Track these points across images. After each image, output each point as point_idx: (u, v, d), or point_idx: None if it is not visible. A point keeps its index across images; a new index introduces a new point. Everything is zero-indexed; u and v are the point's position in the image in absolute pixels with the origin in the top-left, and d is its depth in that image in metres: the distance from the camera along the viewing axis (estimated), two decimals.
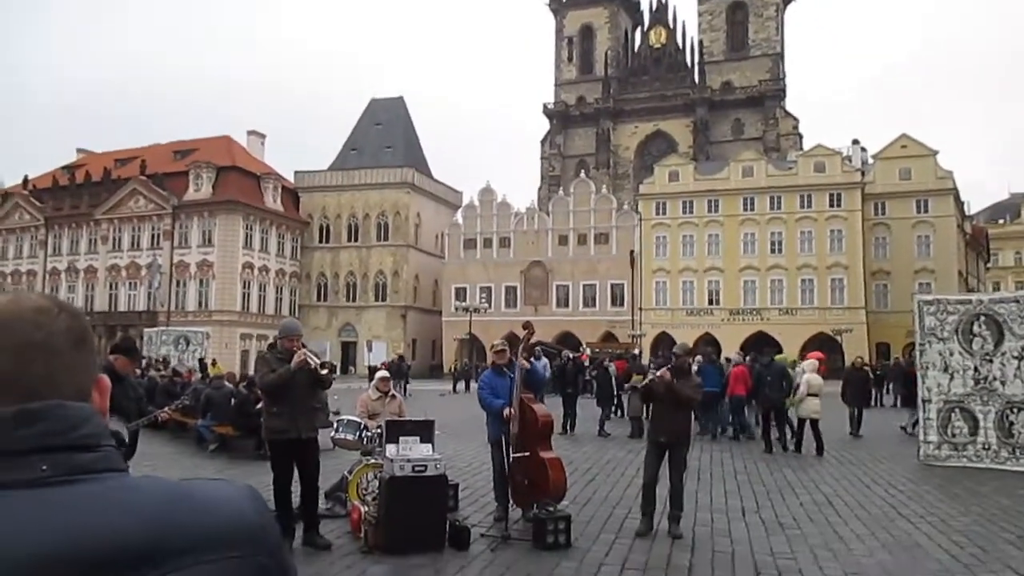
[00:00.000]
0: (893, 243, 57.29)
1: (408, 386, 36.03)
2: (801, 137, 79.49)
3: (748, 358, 18.86)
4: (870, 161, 60.11)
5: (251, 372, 20.30)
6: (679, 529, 7.81)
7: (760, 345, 46.40)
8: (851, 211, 55.68)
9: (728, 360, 20.09)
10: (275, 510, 7.08)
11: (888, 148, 58.79)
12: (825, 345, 49.97)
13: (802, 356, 47.34)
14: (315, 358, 7.24)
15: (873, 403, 19.79)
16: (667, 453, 7.91)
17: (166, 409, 7.21)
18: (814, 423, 14.87)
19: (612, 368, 21.13)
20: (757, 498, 10.03)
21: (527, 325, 8.59)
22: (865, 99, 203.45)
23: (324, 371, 7.26)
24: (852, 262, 55.33)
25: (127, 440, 6.03)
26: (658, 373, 7.80)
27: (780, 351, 33.94)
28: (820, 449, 14.56)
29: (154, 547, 0.85)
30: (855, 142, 62.39)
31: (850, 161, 58.58)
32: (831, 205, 56.07)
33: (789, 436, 15.50)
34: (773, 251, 56.88)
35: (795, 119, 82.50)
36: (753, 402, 16.74)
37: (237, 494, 0.97)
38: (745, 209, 57.43)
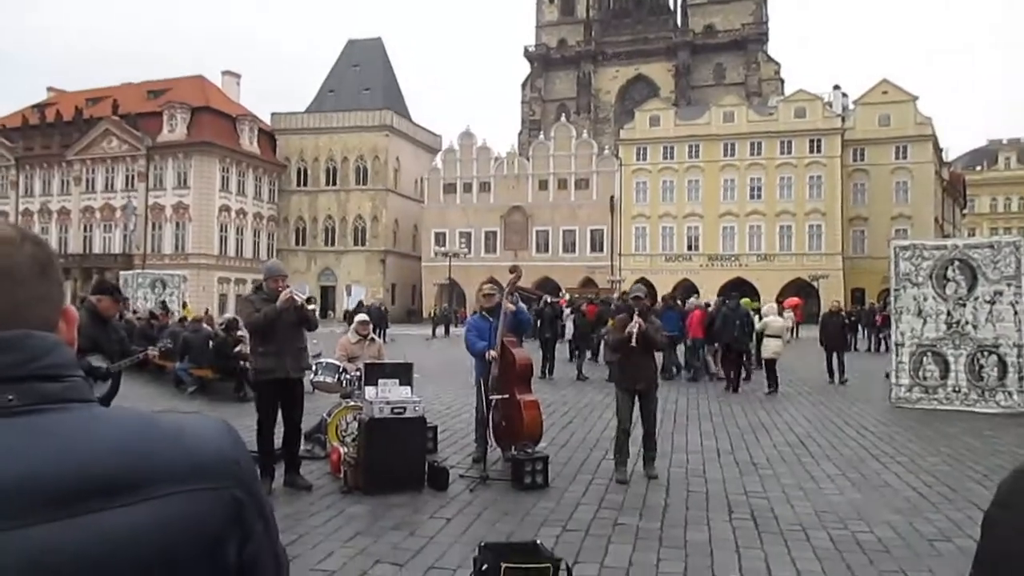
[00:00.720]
0: (871, 189, 57.59)
1: (388, 331, 36.06)
2: (783, 82, 79.15)
3: (714, 302, 19.79)
4: (851, 107, 60.02)
5: (228, 315, 20.22)
6: (655, 469, 7.94)
7: (737, 290, 46.86)
8: (831, 157, 55.78)
9: (679, 303, 20.42)
10: (257, 450, 7.14)
11: (869, 94, 58.71)
12: (802, 291, 50.48)
13: (779, 301, 48.03)
14: (300, 296, 7.23)
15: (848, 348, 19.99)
16: (637, 399, 7.98)
17: (150, 349, 7.15)
18: (771, 362, 15.85)
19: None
20: (731, 440, 10.19)
21: (514, 268, 8.60)
22: (847, 44, 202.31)
23: (311, 306, 7.26)
24: (830, 208, 55.60)
25: (110, 377, 6.02)
26: (633, 326, 7.78)
27: (748, 296, 34.26)
28: (774, 387, 15.55)
29: (125, 476, 0.84)
30: (836, 87, 62.21)
31: (831, 107, 58.46)
32: (811, 151, 56.12)
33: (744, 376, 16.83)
34: (752, 197, 57.00)
35: (777, 64, 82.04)
36: (715, 344, 17.41)
37: (211, 427, 0.96)
38: (726, 155, 57.38)
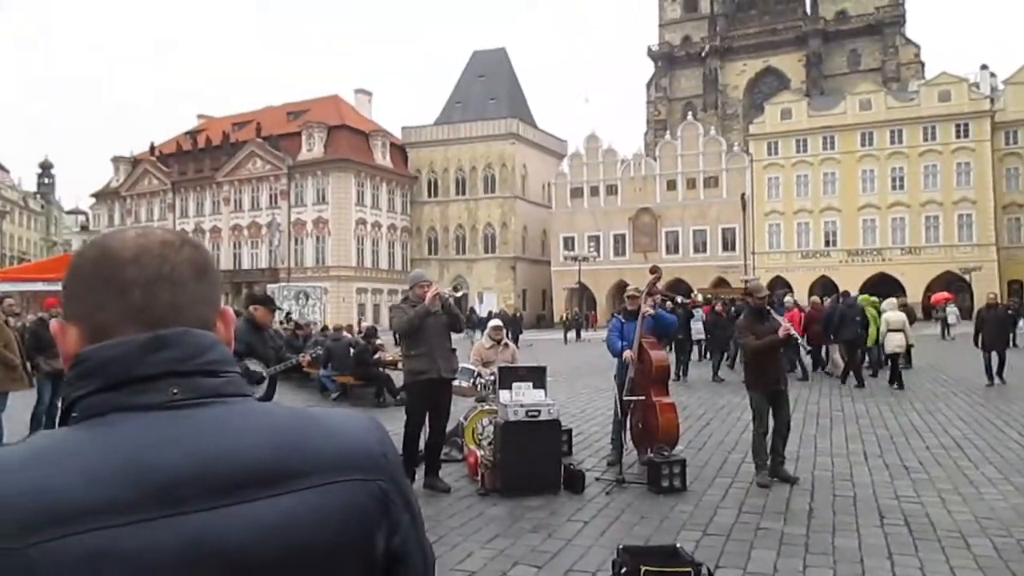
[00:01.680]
0: None
1: (522, 336, 36.47)
2: (923, 65, 74.95)
3: (830, 299, 20.06)
4: (1000, 87, 56.11)
5: (367, 324, 20.92)
6: (791, 472, 7.64)
7: (882, 287, 44.61)
8: (980, 142, 52.33)
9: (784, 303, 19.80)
10: (402, 452, 7.32)
11: (1021, 71, 54.69)
12: (952, 285, 47.70)
13: (927, 297, 45.46)
14: (447, 292, 7.44)
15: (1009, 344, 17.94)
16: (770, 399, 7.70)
17: (302, 356, 7.50)
18: (894, 357, 15.92)
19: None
20: (880, 442, 9.69)
21: (655, 269, 8.53)
22: (994, 19, 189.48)
23: (458, 294, 7.45)
24: (981, 196, 52.16)
25: (266, 380, 6.37)
26: (780, 330, 7.52)
27: (903, 292, 32.55)
28: (898, 382, 15.45)
29: (280, 467, 0.87)
30: (984, 67, 58.27)
31: (978, 88, 54.84)
32: (957, 136, 52.83)
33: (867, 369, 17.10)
34: (894, 188, 54.20)
35: (916, 46, 77.71)
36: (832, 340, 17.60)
37: (360, 421, 0.99)
38: (863, 145, 54.81)
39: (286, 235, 62.53)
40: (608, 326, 9.00)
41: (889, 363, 16.30)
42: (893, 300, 18.28)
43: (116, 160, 72.78)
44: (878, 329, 16.97)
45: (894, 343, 15.98)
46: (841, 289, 23.53)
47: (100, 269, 0.93)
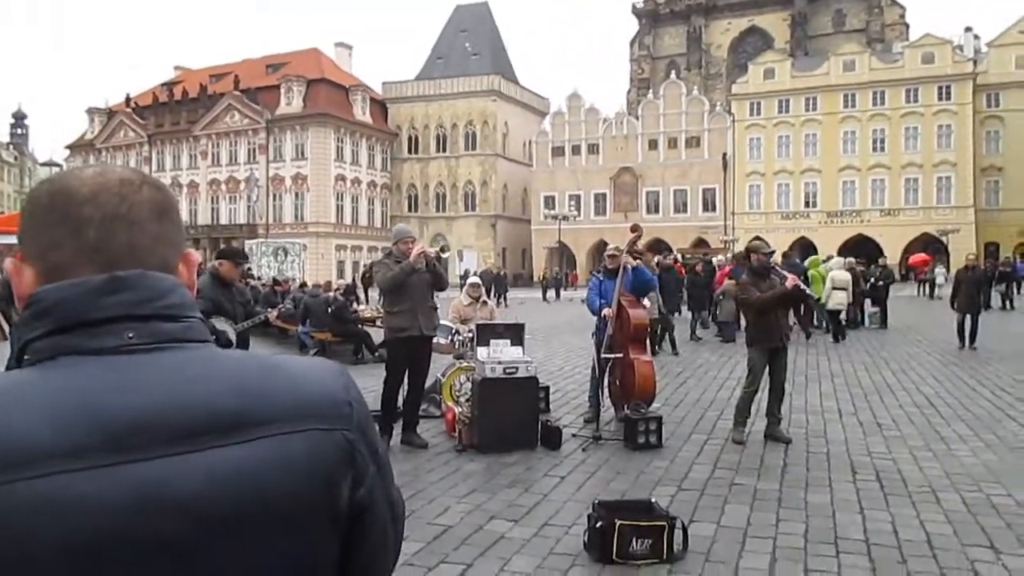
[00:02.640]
0: (1007, 136, 53.92)
1: (507, 294, 36.54)
2: (908, 27, 74.70)
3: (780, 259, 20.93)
4: (984, 50, 56.11)
5: (344, 280, 20.88)
6: (785, 433, 7.68)
7: (860, 248, 44.92)
8: (961, 104, 52.50)
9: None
10: (380, 408, 7.33)
11: (1005, 34, 54.72)
12: (930, 246, 48.09)
13: (905, 259, 45.85)
14: (432, 250, 7.37)
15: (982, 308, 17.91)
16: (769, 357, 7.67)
17: (270, 310, 7.43)
18: (835, 313, 17.26)
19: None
20: (854, 400, 9.81)
21: (635, 227, 8.48)
22: None
23: (444, 254, 7.39)
24: (961, 159, 52.47)
25: (234, 340, 6.29)
26: (788, 282, 7.47)
27: (880, 253, 32.76)
28: (837, 336, 16.93)
29: (239, 415, 0.85)
30: (968, 29, 58.19)
31: (961, 50, 54.81)
32: (939, 99, 52.94)
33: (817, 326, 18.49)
34: (875, 150, 54.37)
35: (902, 7, 77.37)
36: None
37: (326, 369, 0.96)
38: (846, 106, 54.85)
39: (264, 190, 61.84)
40: (588, 284, 8.98)
41: (827, 320, 17.68)
42: (840, 259, 19.69)
43: (91, 111, 71.42)
44: (823, 289, 17.67)
45: (836, 300, 17.16)
46: (820, 251, 23.77)
47: (55, 206, 0.89)
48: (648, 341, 8.89)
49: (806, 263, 20.10)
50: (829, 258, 20.83)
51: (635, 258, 8.70)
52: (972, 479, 6.15)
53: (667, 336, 15.18)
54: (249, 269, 24.56)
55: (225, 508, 0.81)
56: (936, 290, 33.61)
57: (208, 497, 0.81)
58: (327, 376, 0.94)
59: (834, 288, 17.24)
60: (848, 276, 17.99)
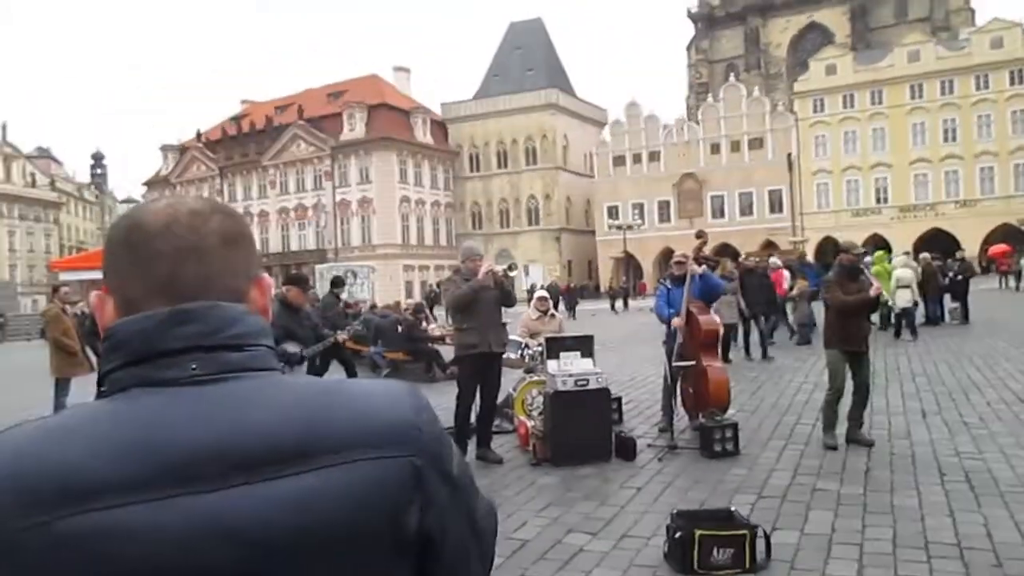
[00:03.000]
0: None
1: (578, 307, 36.52)
2: (973, 12, 72.38)
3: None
4: None
5: (414, 300, 21.09)
6: (867, 435, 7.46)
7: (936, 243, 43.52)
8: None
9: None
10: (454, 426, 7.37)
11: None
12: (1010, 237, 46.25)
13: (984, 251, 44.22)
14: (500, 267, 7.42)
15: None
16: (850, 361, 7.46)
17: (339, 333, 7.57)
18: (905, 312, 17.00)
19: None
20: (938, 399, 9.48)
21: (700, 234, 8.43)
22: None
23: (512, 272, 7.43)
24: None
25: (304, 360, 6.43)
26: (873, 289, 7.30)
27: (957, 247, 31.65)
28: (899, 333, 16.95)
29: (301, 444, 0.84)
30: None
31: None
32: (1012, 83, 51.08)
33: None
34: (946, 140, 52.74)
35: None
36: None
37: (393, 393, 0.94)
38: (913, 97, 53.33)
39: (332, 215, 63.16)
40: (656, 293, 8.92)
41: (893, 320, 17.36)
42: (903, 257, 19.38)
43: (164, 148, 74.14)
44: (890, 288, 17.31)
45: (903, 300, 16.80)
46: (895, 247, 23.01)
47: (130, 241, 0.91)
48: (721, 347, 8.76)
49: (869, 259, 19.50)
50: (905, 254, 20.31)
51: (702, 264, 8.61)
52: None
53: (750, 339, 14.84)
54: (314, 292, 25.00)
55: (284, 539, 0.81)
56: (1022, 281, 32.36)
57: (266, 528, 0.81)
58: (394, 400, 0.93)
59: (898, 287, 16.81)
60: (911, 273, 17.67)
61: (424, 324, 15.77)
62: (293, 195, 65.77)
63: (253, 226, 67.17)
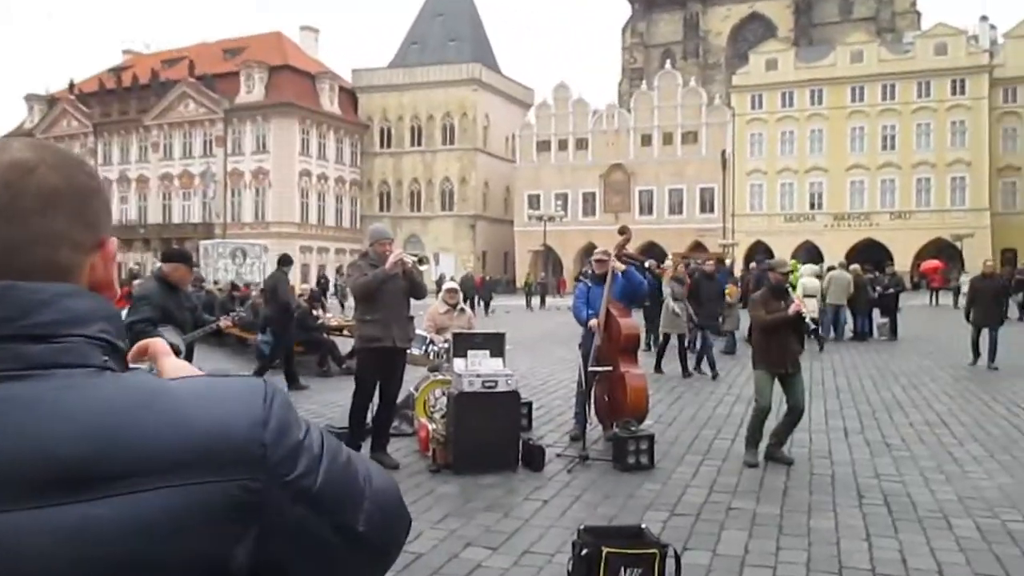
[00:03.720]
0: None
1: (492, 302, 36.53)
2: (920, 16, 75.44)
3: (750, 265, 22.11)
4: (1000, 41, 56.81)
5: (308, 286, 20.86)
6: (787, 455, 7.70)
7: (869, 253, 45.34)
8: (976, 99, 53.11)
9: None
10: (348, 427, 7.37)
11: (1021, 25, 55.39)
12: (943, 252, 48.50)
13: (916, 266, 46.32)
14: (411, 257, 7.35)
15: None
16: (779, 381, 7.70)
17: (223, 319, 7.38)
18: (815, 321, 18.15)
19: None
20: (861, 418, 9.90)
21: (624, 230, 8.56)
22: None
23: (423, 267, 7.36)
24: (976, 158, 53.03)
25: (183, 350, 6.23)
26: (796, 305, 7.51)
27: (890, 259, 32.99)
28: (820, 345, 17.74)
29: (95, 465, 0.76)
30: (983, 19, 58.91)
31: (976, 41, 55.50)
32: (953, 93, 53.52)
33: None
34: (885, 147, 54.88)
35: None
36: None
37: (234, 396, 0.85)
38: (853, 100, 55.34)
39: (222, 186, 61.64)
40: (575, 293, 9.03)
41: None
42: (811, 266, 20.88)
43: (30, 98, 70.88)
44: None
45: (808, 309, 17.40)
46: (826, 257, 23.98)
47: None
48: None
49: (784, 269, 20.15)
50: (830, 269, 21.51)
51: (625, 262, 8.76)
52: (987, 504, 6.22)
53: (704, 356, 14.03)
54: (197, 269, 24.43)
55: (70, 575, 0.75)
56: (960, 299, 33.43)
57: (39, 562, 0.74)
58: (233, 408, 0.83)
59: (805, 295, 16.82)
60: (818, 283, 18.93)
61: (319, 312, 15.57)
62: (178, 161, 63.86)
63: (130, 193, 65.11)
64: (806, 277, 19.11)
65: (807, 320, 7.80)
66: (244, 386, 0.87)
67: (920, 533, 5.56)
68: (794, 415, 7.66)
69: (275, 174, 60.71)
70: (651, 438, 7.52)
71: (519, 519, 5.85)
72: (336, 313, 20.52)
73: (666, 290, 14.28)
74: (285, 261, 13.77)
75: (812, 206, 56.45)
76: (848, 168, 55.36)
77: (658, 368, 14.06)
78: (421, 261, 7.42)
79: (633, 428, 7.58)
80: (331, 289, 40.25)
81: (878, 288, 21.23)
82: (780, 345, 7.59)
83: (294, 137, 61.11)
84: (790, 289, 8.04)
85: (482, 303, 35.09)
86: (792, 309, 7.50)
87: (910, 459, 7.72)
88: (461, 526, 5.69)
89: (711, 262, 19.00)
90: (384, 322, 7.18)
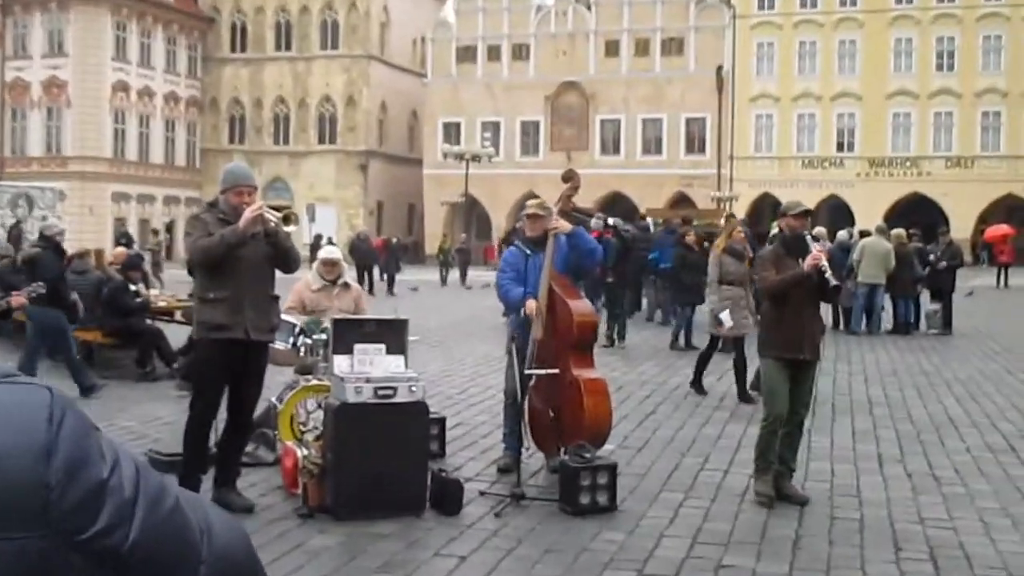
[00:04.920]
0: None
1: (398, 275, 36.14)
2: None
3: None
4: None
5: (126, 249, 20.56)
6: (796, 488, 7.85)
7: (916, 213, 46.07)
8: None
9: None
10: (184, 452, 7.29)
11: None
12: (1015, 214, 49.46)
13: (980, 232, 47.25)
14: (275, 213, 7.23)
15: None
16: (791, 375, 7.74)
17: (13, 296, 7.25)
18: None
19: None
20: (901, 442, 10.11)
21: (569, 176, 8.54)
22: None
23: (289, 227, 7.24)
24: None
25: None
26: (814, 256, 7.42)
27: (944, 222, 33.48)
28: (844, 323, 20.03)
29: None
30: None
31: None
32: None
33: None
34: (940, 68, 55.72)
35: None
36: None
37: (5, 422, 0.84)
38: (898, 2, 56.02)
39: None
40: (500, 263, 9.00)
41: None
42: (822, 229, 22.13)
43: None
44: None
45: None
46: (858, 218, 23.92)
47: None
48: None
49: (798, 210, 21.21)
50: (863, 234, 22.28)
51: (580, 220, 8.76)
52: None
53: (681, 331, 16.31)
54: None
55: None
56: None
57: None
58: (5, 439, 0.82)
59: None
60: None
61: (140, 289, 15.32)
62: None
63: None
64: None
65: (829, 278, 7.68)
66: (17, 399, 0.85)
67: None
68: (795, 421, 7.78)
69: (76, 88, 59.44)
70: (613, 469, 7.56)
71: None
72: (164, 289, 20.27)
73: (712, 270, 13.52)
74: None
75: (840, 148, 57.14)
76: (889, 96, 56.10)
77: (697, 384, 13.23)
78: (287, 219, 7.28)
79: (588, 455, 7.63)
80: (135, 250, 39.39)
81: (928, 262, 21.53)
82: (796, 319, 7.64)
83: (104, 34, 59.86)
84: (812, 241, 7.90)
85: (386, 277, 34.80)
86: (808, 263, 7.47)
87: (966, 498, 7.92)
88: None
89: (680, 222, 21.09)
90: (234, 303, 7.10)
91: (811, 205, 37.85)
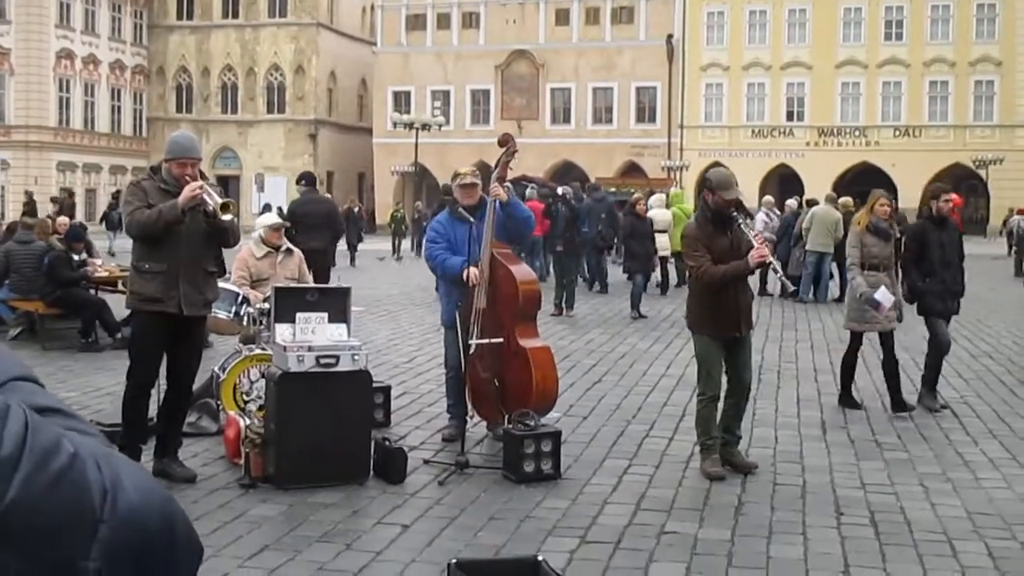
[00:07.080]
0: None
1: (361, 245, 35.76)
2: None
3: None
4: None
5: (68, 218, 20.33)
6: (744, 456, 7.90)
7: (864, 180, 46.46)
8: None
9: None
10: (122, 423, 7.29)
11: None
12: (962, 184, 49.98)
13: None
14: (216, 196, 7.12)
15: None
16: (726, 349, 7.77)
17: None
18: (663, 260, 21.33)
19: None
20: (845, 409, 10.18)
21: (506, 140, 8.51)
22: None
23: (227, 216, 7.10)
24: (1007, 55, 54.66)
25: None
26: (759, 252, 7.41)
27: (892, 191, 33.87)
28: (664, 289, 21.42)
29: None
30: None
31: None
32: None
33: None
34: (889, 38, 56.11)
35: None
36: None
37: None
38: None
39: None
40: (428, 232, 8.92)
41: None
42: (660, 196, 24.18)
43: None
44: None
45: (659, 245, 20.44)
46: (807, 187, 24.23)
47: None
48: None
49: (670, 195, 24.36)
50: (811, 203, 22.91)
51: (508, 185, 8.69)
52: (1004, 521, 6.52)
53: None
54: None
55: None
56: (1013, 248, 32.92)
57: None
58: None
59: (655, 231, 20.07)
60: (669, 216, 21.70)
61: (84, 257, 15.16)
62: None
63: None
64: (656, 209, 21.68)
65: (775, 271, 7.83)
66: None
67: (916, 562, 5.79)
68: (738, 395, 7.85)
69: (19, 56, 58.58)
70: (557, 436, 7.58)
71: (368, 551, 5.86)
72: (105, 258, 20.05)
73: (852, 252, 11.34)
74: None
75: (790, 117, 57.48)
76: (839, 65, 56.43)
77: (847, 396, 10.56)
78: (225, 208, 7.13)
79: (531, 423, 7.63)
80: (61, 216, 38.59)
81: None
82: (731, 299, 7.66)
83: (47, 0, 58.97)
84: (741, 218, 7.81)
85: (348, 248, 34.35)
86: (754, 257, 7.48)
87: (907, 463, 8.02)
88: (285, 562, 5.66)
89: (637, 195, 21.80)
90: (169, 277, 7.03)
91: (761, 174, 38.43)
